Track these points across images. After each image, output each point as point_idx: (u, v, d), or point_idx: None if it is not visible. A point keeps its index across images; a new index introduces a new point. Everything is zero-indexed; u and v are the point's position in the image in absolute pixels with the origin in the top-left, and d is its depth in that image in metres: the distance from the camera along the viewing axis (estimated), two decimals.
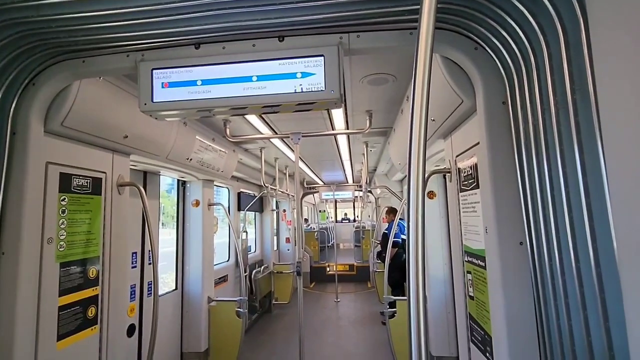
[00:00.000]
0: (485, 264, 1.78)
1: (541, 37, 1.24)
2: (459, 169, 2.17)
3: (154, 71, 1.73)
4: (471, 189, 1.97)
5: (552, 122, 1.22)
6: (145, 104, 1.73)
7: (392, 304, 3.86)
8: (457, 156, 2.20)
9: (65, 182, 2.09)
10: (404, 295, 5.52)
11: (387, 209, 6.78)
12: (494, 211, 1.58)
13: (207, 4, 1.47)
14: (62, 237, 2.05)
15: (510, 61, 1.46)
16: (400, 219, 4.71)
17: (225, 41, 1.73)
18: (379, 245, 7.14)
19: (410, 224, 0.91)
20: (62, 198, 2.06)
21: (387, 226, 6.63)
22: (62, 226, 2.06)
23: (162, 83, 1.74)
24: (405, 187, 6.58)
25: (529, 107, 1.37)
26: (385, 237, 6.21)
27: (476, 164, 1.87)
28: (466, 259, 2.11)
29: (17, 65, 1.71)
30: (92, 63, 1.83)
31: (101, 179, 2.39)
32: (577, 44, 1.08)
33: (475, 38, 1.55)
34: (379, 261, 7.06)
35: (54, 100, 1.92)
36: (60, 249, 2.03)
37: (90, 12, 1.49)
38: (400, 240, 5.82)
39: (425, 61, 0.88)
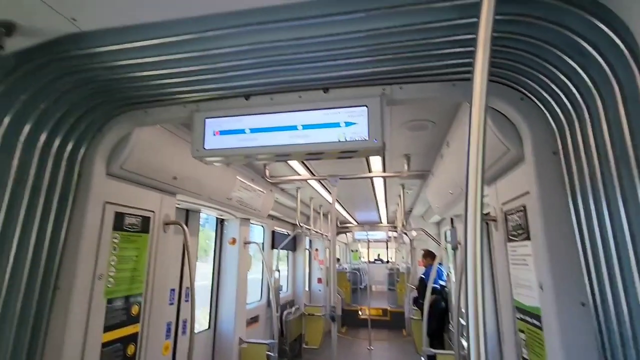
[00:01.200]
0: (541, 324, 1.64)
1: (594, 90, 1.21)
2: (506, 217, 2.08)
3: (207, 120, 1.87)
4: (521, 240, 1.87)
5: (611, 175, 1.16)
6: (197, 151, 1.85)
7: (432, 357, 3.59)
8: (503, 204, 2.11)
9: (119, 221, 2.23)
10: (442, 347, 5.13)
11: (423, 252, 6.52)
12: (549, 266, 1.48)
13: (257, 63, 1.59)
14: (111, 274, 2.15)
15: (560, 112, 1.43)
16: (439, 263, 4.50)
17: (273, 93, 1.84)
18: (416, 290, 6.79)
19: (469, 273, 0.87)
20: (114, 236, 2.19)
21: (423, 270, 6.34)
22: (112, 263, 2.16)
23: (214, 131, 1.86)
24: (443, 230, 6.35)
25: (584, 158, 1.32)
26: (422, 282, 5.92)
27: (526, 214, 1.78)
28: (518, 317, 1.95)
29: (90, 116, 1.91)
30: (153, 113, 2.00)
31: (150, 217, 2.52)
32: (634, 95, 1.05)
33: (521, 89, 1.54)
34: (416, 308, 6.69)
35: (117, 145, 2.10)
36: (108, 285, 2.12)
37: (155, 72, 1.66)
38: (438, 286, 5.52)
39: (480, 119, 0.89)
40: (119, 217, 2.23)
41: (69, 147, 1.89)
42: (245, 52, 1.52)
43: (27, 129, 1.65)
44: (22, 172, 1.67)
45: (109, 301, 2.13)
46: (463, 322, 2.89)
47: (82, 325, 1.92)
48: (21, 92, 1.56)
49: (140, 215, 2.43)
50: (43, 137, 1.74)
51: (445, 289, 5.83)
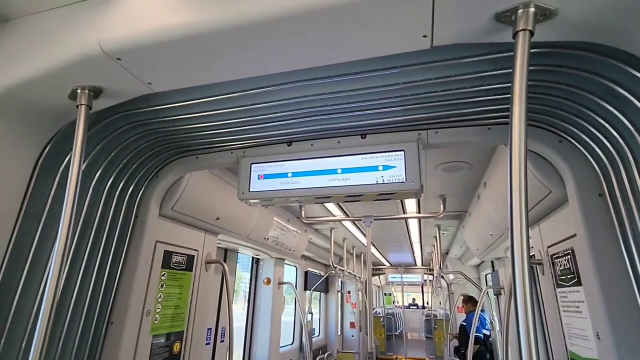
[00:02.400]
0: None
1: (635, 132, 1.22)
2: (552, 261, 2.00)
3: (253, 165, 2.01)
4: (571, 285, 1.78)
5: None
6: (243, 193, 1.98)
7: None
8: (548, 247, 2.04)
9: (167, 259, 2.36)
10: None
11: (463, 297, 6.17)
12: (606, 314, 1.40)
13: (299, 114, 1.72)
14: (157, 310, 2.25)
15: (602, 154, 1.43)
16: (481, 310, 4.25)
17: (313, 139, 1.97)
18: (456, 339, 6.35)
19: (520, 321, 0.85)
20: (162, 273, 2.32)
21: (464, 317, 5.96)
22: (159, 300, 2.27)
23: (258, 175, 1.99)
24: (484, 273, 6.03)
25: (632, 200, 1.29)
26: (464, 330, 5.56)
27: (574, 258, 1.71)
28: None
29: (149, 162, 2.12)
30: (203, 159, 2.19)
31: (194, 256, 2.65)
32: None
33: (559, 132, 1.56)
34: (457, 359, 6.21)
35: (169, 188, 2.29)
36: (154, 322, 2.21)
37: (208, 123, 1.84)
38: (482, 336, 5.15)
39: (520, 165, 0.93)
40: (167, 256, 2.37)
41: (129, 190, 2.09)
42: (289, 105, 1.67)
43: (97, 174, 1.86)
44: (90, 213, 1.86)
45: (154, 337, 2.21)
46: None
47: None
48: (96, 143, 1.79)
49: (186, 254, 2.56)
50: (109, 182, 1.95)
51: (490, 338, 5.42)
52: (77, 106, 1.40)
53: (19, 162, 1.56)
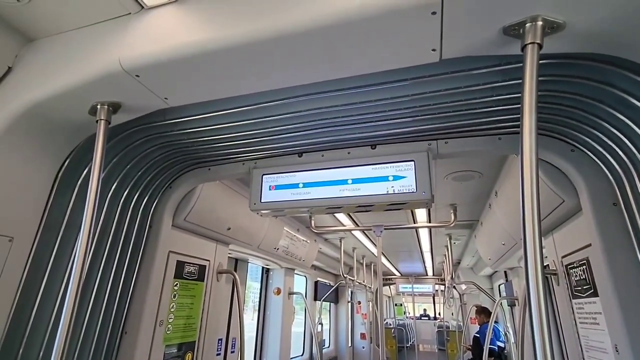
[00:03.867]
0: None
1: None
2: (567, 271, 1.97)
3: (264, 176, 2.04)
4: (587, 296, 1.75)
5: None
6: (254, 204, 2.00)
7: None
8: (563, 257, 2.01)
9: (179, 269, 2.39)
10: None
11: (476, 308, 6.06)
12: (624, 326, 1.37)
13: (310, 125, 1.75)
14: (170, 320, 2.27)
15: (615, 163, 1.42)
16: (495, 322, 4.17)
17: (324, 150, 1.99)
18: (470, 351, 6.22)
19: (535, 334, 0.84)
20: (175, 283, 2.34)
21: (477, 329, 5.84)
22: (172, 310, 2.29)
23: (270, 186, 2.02)
24: (497, 284, 5.92)
25: None
26: (478, 342, 5.45)
27: (590, 268, 1.69)
28: None
29: (163, 174, 2.17)
30: (216, 170, 2.23)
31: (205, 266, 2.67)
32: None
33: (571, 141, 1.56)
34: None
35: (182, 199, 2.34)
36: (167, 332, 2.23)
37: (221, 135, 1.88)
38: (496, 348, 5.04)
39: (531, 175, 0.94)
40: (180, 266, 2.40)
41: (144, 201, 2.14)
42: (300, 117, 1.71)
43: (114, 186, 1.91)
44: (106, 224, 1.90)
45: (167, 347, 2.22)
46: None
47: None
48: (113, 156, 1.84)
49: (198, 264, 2.58)
50: (125, 193, 1.99)
51: (505, 351, 5.29)
52: (97, 121, 1.46)
53: (41, 174, 1.62)
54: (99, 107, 1.46)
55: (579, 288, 1.84)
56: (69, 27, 1.50)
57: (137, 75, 1.32)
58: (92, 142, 1.45)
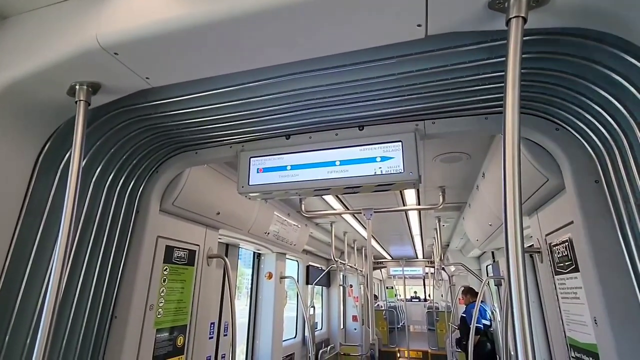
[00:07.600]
0: None
1: (630, 119, 1.23)
2: (551, 249, 2.01)
3: (252, 159, 2.03)
4: (569, 272, 1.80)
5: None
6: (242, 187, 1.99)
7: None
8: (547, 235, 2.06)
9: (169, 254, 2.38)
10: None
11: (463, 288, 6.21)
12: (602, 299, 1.41)
13: (297, 106, 1.73)
14: (160, 305, 2.27)
15: (598, 140, 1.44)
16: (482, 301, 4.28)
17: (312, 132, 1.98)
18: (457, 330, 6.40)
19: (515, 310, 0.86)
20: (164, 268, 2.34)
21: (464, 309, 6.00)
22: (162, 294, 2.29)
23: (258, 169, 2.01)
24: (485, 265, 6.06)
25: (628, 186, 1.30)
26: (464, 321, 5.60)
27: (572, 245, 1.73)
28: (573, 355, 1.83)
29: (148, 158, 2.13)
30: (203, 154, 2.20)
31: (195, 251, 2.67)
32: None
33: (555, 120, 1.57)
34: (459, 350, 6.26)
35: (170, 184, 2.31)
36: (158, 316, 2.24)
37: (207, 117, 1.85)
38: (482, 326, 5.19)
39: (513, 152, 0.94)
40: (169, 251, 2.39)
41: (130, 186, 2.11)
42: (286, 97, 1.68)
43: (98, 170, 1.87)
44: (91, 209, 1.87)
45: (158, 331, 2.23)
46: None
47: (134, 354, 2.03)
48: (96, 140, 1.80)
49: (187, 249, 2.58)
50: (109, 178, 1.96)
51: (491, 329, 5.46)
52: (76, 102, 1.41)
53: (19, 159, 1.58)
54: (77, 87, 1.42)
55: (562, 264, 1.89)
56: (42, 3, 1.44)
57: (115, 53, 1.28)
58: (73, 124, 1.40)
